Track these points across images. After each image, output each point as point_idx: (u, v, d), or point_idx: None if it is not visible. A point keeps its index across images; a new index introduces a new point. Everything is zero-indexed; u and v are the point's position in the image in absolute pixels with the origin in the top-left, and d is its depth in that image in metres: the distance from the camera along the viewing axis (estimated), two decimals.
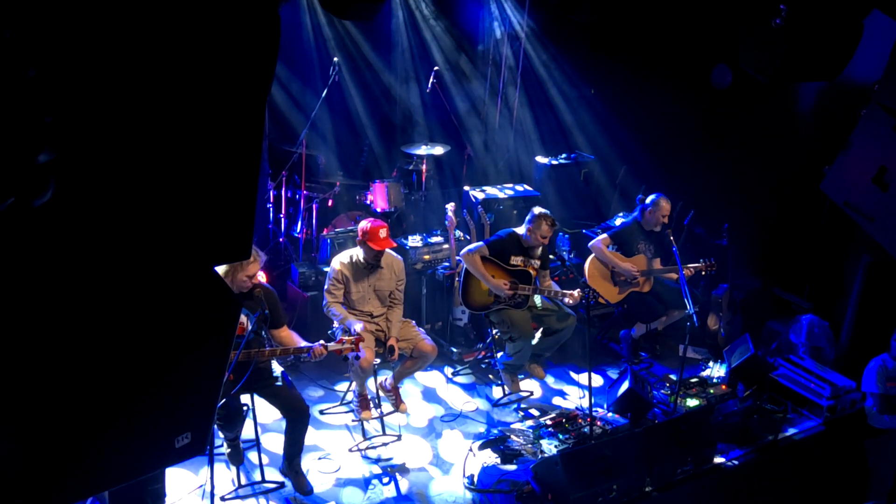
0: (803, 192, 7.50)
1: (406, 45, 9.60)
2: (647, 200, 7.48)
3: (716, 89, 8.70)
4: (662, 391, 7.08)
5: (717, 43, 8.32)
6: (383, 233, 6.16)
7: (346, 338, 5.55)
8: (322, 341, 5.47)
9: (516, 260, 6.86)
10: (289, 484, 5.55)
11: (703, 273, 7.50)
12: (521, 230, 6.93)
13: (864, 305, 7.70)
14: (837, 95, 7.59)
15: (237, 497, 5.42)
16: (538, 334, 7.11)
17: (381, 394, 6.50)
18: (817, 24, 4.41)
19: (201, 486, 5.32)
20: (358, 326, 5.96)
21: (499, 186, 8.80)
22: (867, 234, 4.45)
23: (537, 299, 6.98)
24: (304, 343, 5.47)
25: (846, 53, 4.55)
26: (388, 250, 6.31)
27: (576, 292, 6.69)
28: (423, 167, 8.79)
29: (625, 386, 6.62)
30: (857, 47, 4.51)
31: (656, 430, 5.98)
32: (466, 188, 8.58)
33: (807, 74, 4.76)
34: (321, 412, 6.51)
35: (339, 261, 6.30)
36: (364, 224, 6.20)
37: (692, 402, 6.85)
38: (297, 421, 5.42)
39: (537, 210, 6.88)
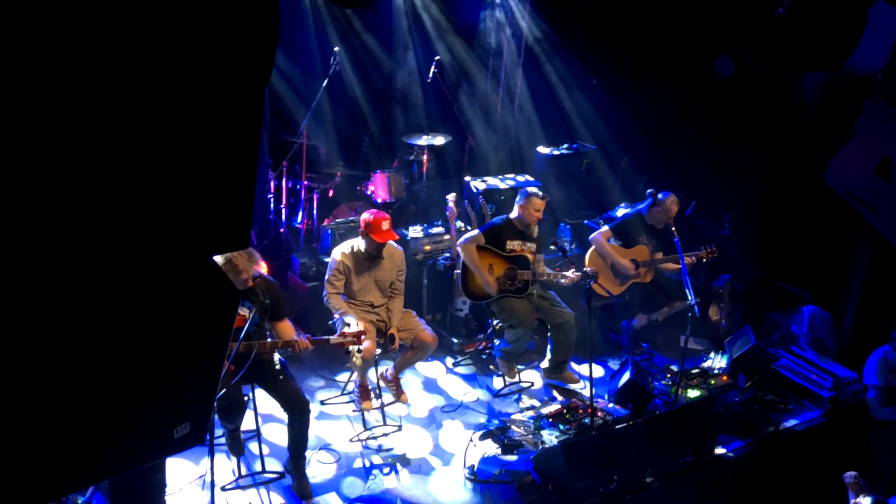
0: (806, 182, 7.47)
1: (407, 34, 9.56)
2: (659, 195, 7.39)
3: (718, 79, 8.66)
4: (663, 382, 7.08)
5: (719, 33, 8.28)
6: (386, 225, 6.14)
7: (349, 331, 5.55)
8: (308, 335, 5.46)
9: (513, 244, 6.85)
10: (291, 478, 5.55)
11: (705, 260, 7.45)
12: (514, 213, 6.92)
13: (866, 296, 7.69)
14: (840, 86, 7.55)
15: (238, 487, 5.43)
16: (548, 350, 7.07)
17: (381, 384, 6.50)
18: (820, 14, 4.40)
19: (202, 476, 5.33)
20: (361, 325, 5.97)
21: (500, 177, 8.77)
22: (870, 225, 4.44)
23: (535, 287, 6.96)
24: (296, 336, 5.46)
25: (849, 44, 4.54)
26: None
27: (570, 272, 6.70)
28: (424, 157, 8.77)
29: (626, 377, 6.63)
30: (860, 37, 4.49)
31: (657, 420, 5.98)
32: (467, 178, 8.56)
33: (810, 64, 4.74)
34: (322, 402, 6.52)
35: (341, 251, 6.28)
36: (367, 216, 6.18)
37: (693, 393, 6.86)
38: (297, 417, 5.39)
39: (526, 189, 6.89)
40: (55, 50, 1.75)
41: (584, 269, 6.87)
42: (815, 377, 6.90)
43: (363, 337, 5.55)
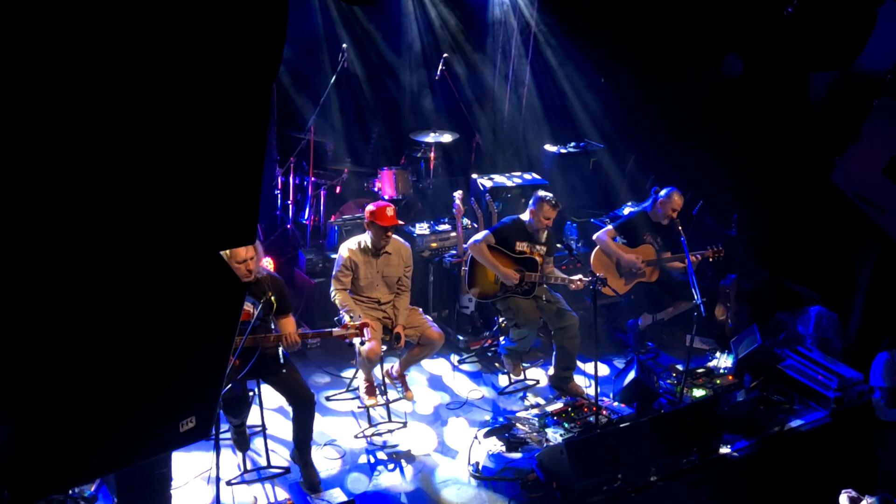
0: (813, 182, 7.45)
1: (415, 31, 9.55)
2: (662, 192, 7.40)
3: (726, 78, 8.64)
4: (669, 381, 7.08)
5: (728, 32, 8.25)
6: (390, 211, 6.16)
7: (351, 323, 5.55)
8: (308, 328, 5.45)
9: (522, 246, 6.85)
10: (296, 470, 5.56)
11: (711, 259, 7.44)
12: (525, 216, 6.91)
13: (872, 297, 7.66)
14: (849, 85, 7.52)
15: (243, 482, 5.44)
16: (552, 357, 7.06)
17: (387, 381, 6.50)
18: (829, 13, 4.38)
19: (207, 470, 5.34)
20: (363, 318, 5.97)
21: (507, 174, 8.77)
22: (877, 226, 4.43)
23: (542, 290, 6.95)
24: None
25: (858, 43, 4.52)
26: (395, 237, 6.31)
27: (577, 277, 6.70)
28: (432, 155, 8.78)
29: (631, 375, 6.62)
30: (869, 37, 4.48)
31: (662, 419, 5.98)
32: (474, 176, 8.56)
33: (818, 64, 4.73)
34: (327, 398, 6.53)
35: (347, 247, 6.29)
36: (370, 206, 6.21)
37: (698, 393, 6.85)
38: (302, 409, 5.40)
39: (540, 193, 6.87)
40: (62, 47, 1.76)
41: (594, 273, 6.81)
42: (820, 378, 6.88)
43: (366, 329, 5.56)
